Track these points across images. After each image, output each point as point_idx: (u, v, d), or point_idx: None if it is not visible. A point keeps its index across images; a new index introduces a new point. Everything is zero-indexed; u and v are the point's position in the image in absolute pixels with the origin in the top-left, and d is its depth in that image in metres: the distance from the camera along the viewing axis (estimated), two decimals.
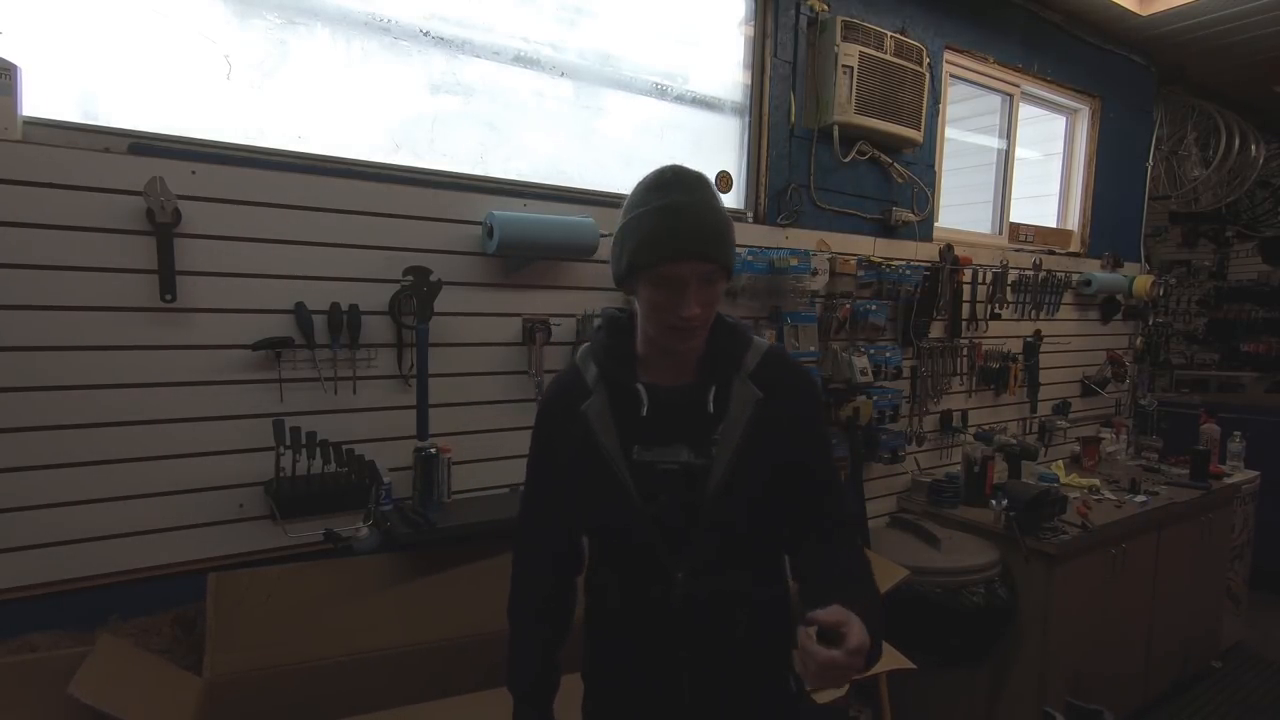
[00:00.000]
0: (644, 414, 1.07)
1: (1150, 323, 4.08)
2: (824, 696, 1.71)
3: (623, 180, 2.25)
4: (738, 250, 2.27)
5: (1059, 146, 3.73)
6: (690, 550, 1.05)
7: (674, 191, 0.99)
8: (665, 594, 1.05)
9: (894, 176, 2.78)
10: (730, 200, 2.49)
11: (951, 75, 3.04)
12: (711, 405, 1.06)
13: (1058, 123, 3.70)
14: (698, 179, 1.02)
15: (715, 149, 2.47)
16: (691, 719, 1.09)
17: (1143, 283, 3.68)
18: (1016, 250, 3.38)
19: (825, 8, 2.54)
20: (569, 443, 1.11)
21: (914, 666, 2.08)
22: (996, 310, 3.20)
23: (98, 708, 1.25)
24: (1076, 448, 3.47)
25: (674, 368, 1.09)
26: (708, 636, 1.07)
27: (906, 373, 2.86)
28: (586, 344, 1.17)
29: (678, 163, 1.04)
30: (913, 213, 2.84)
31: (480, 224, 1.91)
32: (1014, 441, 2.97)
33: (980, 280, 3.11)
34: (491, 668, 1.69)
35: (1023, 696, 2.49)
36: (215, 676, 1.53)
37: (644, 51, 2.26)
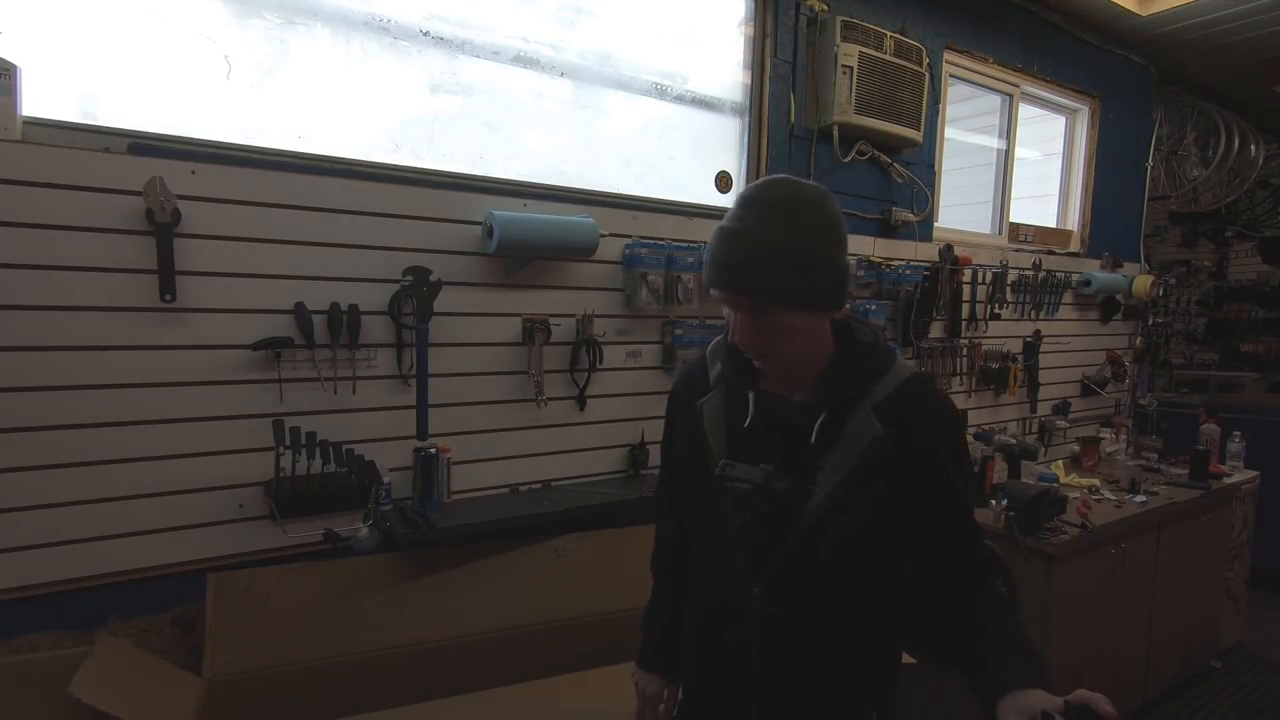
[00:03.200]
0: (745, 424, 1.06)
1: (1150, 323, 4.08)
2: None
3: (622, 180, 2.25)
4: None
5: (1059, 146, 3.73)
6: (772, 570, 1.03)
7: (747, 211, 0.96)
8: (744, 607, 1.05)
9: (894, 176, 2.78)
10: (730, 200, 2.48)
11: (951, 75, 3.04)
12: (815, 434, 1.01)
13: (1057, 123, 3.70)
14: (781, 202, 0.95)
15: (715, 149, 2.47)
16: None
17: (1142, 283, 3.68)
18: (1016, 250, 3.38)
19: (825, 8, 2.54)
20: (685, 434, 1.14)
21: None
22: (996, 310, 3.20)
23: (98, 708, 1.26)
24: (1076, 448, 3.46)
25: (794, 381, 1.05)
26: (779, 660, 1.05)
27: None
28: (720, 337, 1.14)
29: (781, 176, 0.99)
30: (912, 213, 2.84)
31: (480, 224, 1.91)
32: (1014, 441, 2.97)
33: (980, 280, 3.11)
34: (492, 666, 1.70)
35: None
36: (215, 676, 1.53)
37: (644, 51, 2.26)
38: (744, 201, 0.97)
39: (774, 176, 0.99)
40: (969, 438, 2.99)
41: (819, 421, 1.01)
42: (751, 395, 1.07)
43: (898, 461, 0.99)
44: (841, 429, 1.00)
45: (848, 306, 1.03)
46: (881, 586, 1.06)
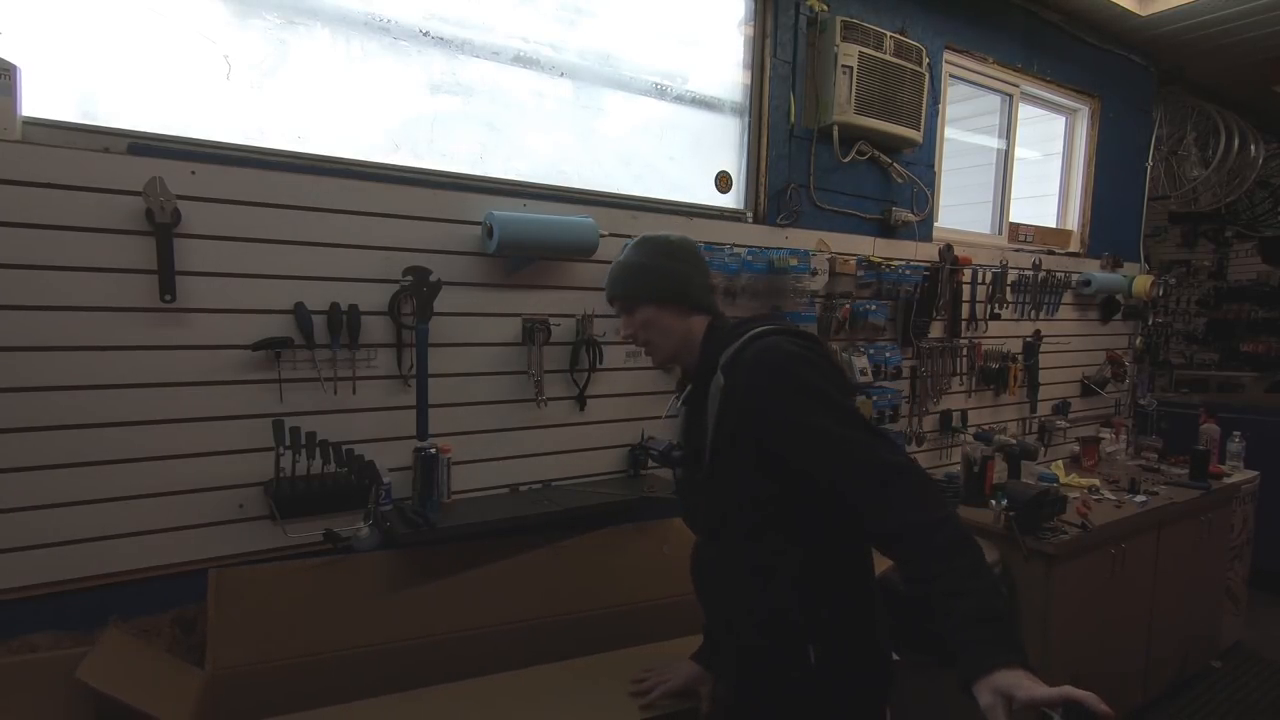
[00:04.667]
0: (674, 410, 1.46)
1: (1150, 323, 4.08)
2: None
3: (622, 180, 2.25)
4: (736, 249, 2.32)
5: (1059, 146, 3.73)
6: (697, 520, 1.36)
7: (621, 254, 1.39)
8: (695, 550, 1.40)
9: (894, 176, 2.78)
10: (730, 200, 2.49)
11: (951, 75, 3.04)
12: (682, 400, 1.38)
13: (1057, 123, 3.70)
14: (635, 241, 1.38)
15: (715, 149, 2.47)
16: (721, 668, 1.42)
17: (1142, 283, 3.68)
18: (1016, 250, 3.38)
19: (825, 8, 2.54)
20: None
21: None
22: (996, 310, 3.20)
23: (104, 692, 1.26)
24: (1076, 448, 3.47)
25: (692, 374, 1.37)
26: (720, 596, 1.32)
27: (906, 373, 2.86)
28: None
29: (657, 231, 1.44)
30: (912, 213, 2.84)
31: (480, 224, 1.91)
32: (1014, 441, 2.97)
33: (980, 280, 3.11)
34: (491, 665, 1.69)
35: None
36: (216, 673, 1.53)
37: (644, 51, 2.26)
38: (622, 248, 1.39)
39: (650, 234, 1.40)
40: (969, 438, 2.99)
41: (684, 392, 1.38)
42: (676, 394, 1.46)
43: (741, 404, 1.16)
44: (704, 397, 1.24)
45: (718, 311, 1.37)
46: (778, 524, 1.18)
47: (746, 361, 1.17)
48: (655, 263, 1.33)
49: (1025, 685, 0.88)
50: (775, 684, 1.21)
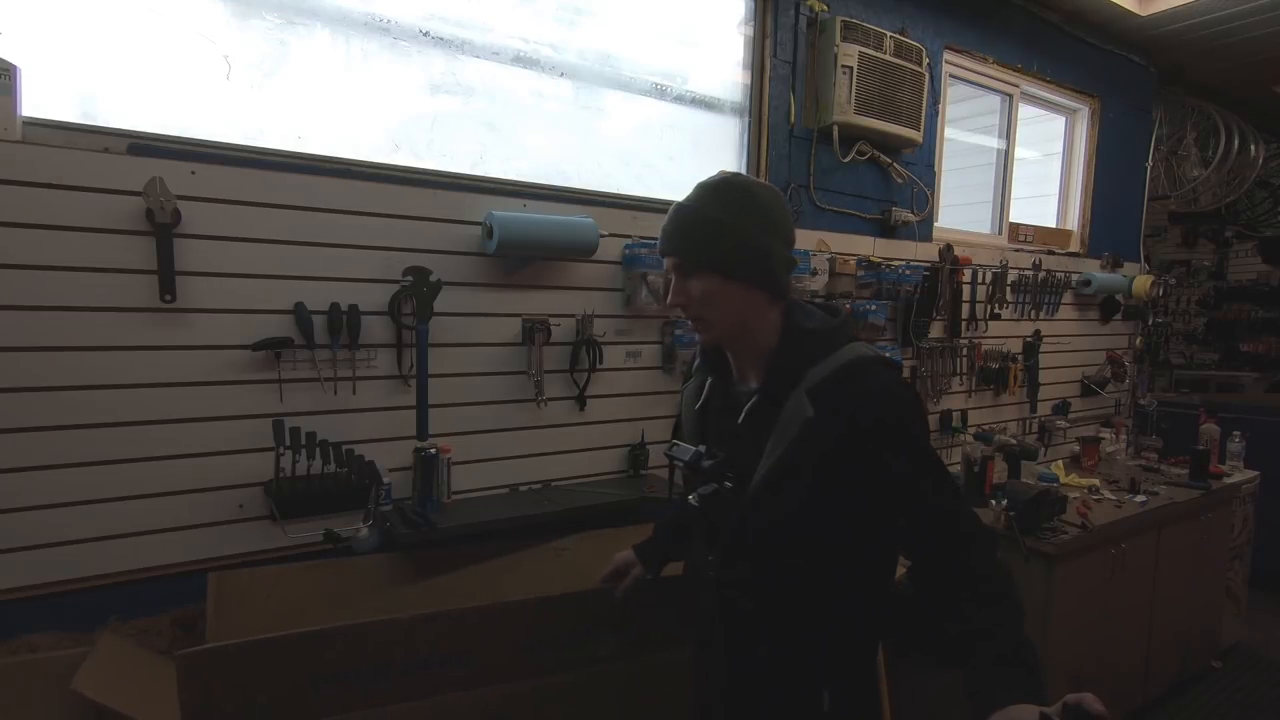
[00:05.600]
0: (696, 407, 1.20)
1: (1150, 323, 4.08)
2: None
3: (622, 180, 2.25)
4: None
5: (1059, 146, 3.73)
6: (720, 546, 1.14)
7: (693, 191, 1.10)
8: (704, 577, 1.18)
9: (894, 176, 2.78)
10: None
11: (951, 75, 3.04)
12: (744, 415, 1.09)
13: (1057, 123, 3.70)
14: (720, 184, 1.09)
15: (715, 149, 2.47)
16: (721, 700, 1.19)
17: (1142, 283, 3.68)
18: (1016, 250, 3.38)
19: (825, 8, 2.54)
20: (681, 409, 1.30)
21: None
22: (996, 310, 3.20)
23: (101, 703, 1.26)
24: (1076, 448, 3.46)
25: (746, 368, 1.14)
26: (732, 629, 1.15)
27: (906, 373, 2.86)
28: None
29: (732, 171, 1.14)
30: (912, 213, 2.84)
31: (480, 224, 1.91)
32: (1014, 441, 2.97)
33: (980, 280, 3.11)
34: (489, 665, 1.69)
35: None
36: None
37: (644, 51, 2.26)
38: (695, 186, 1.11)
39: (734, 172, 1.14)
40: (969, 438, 2.99)
41: (749, 404, 1.10)
42: (709, 381, 1.19)
43: (832, 446, 1.00)
44: (779, 413, 1.05)
45: (792, 295, 1.13)
46: (828, 570, 1.08)
47: (854, 399, 1.00)
48: (739, 223, 1.05)
49: (1026, 710, 0.89)
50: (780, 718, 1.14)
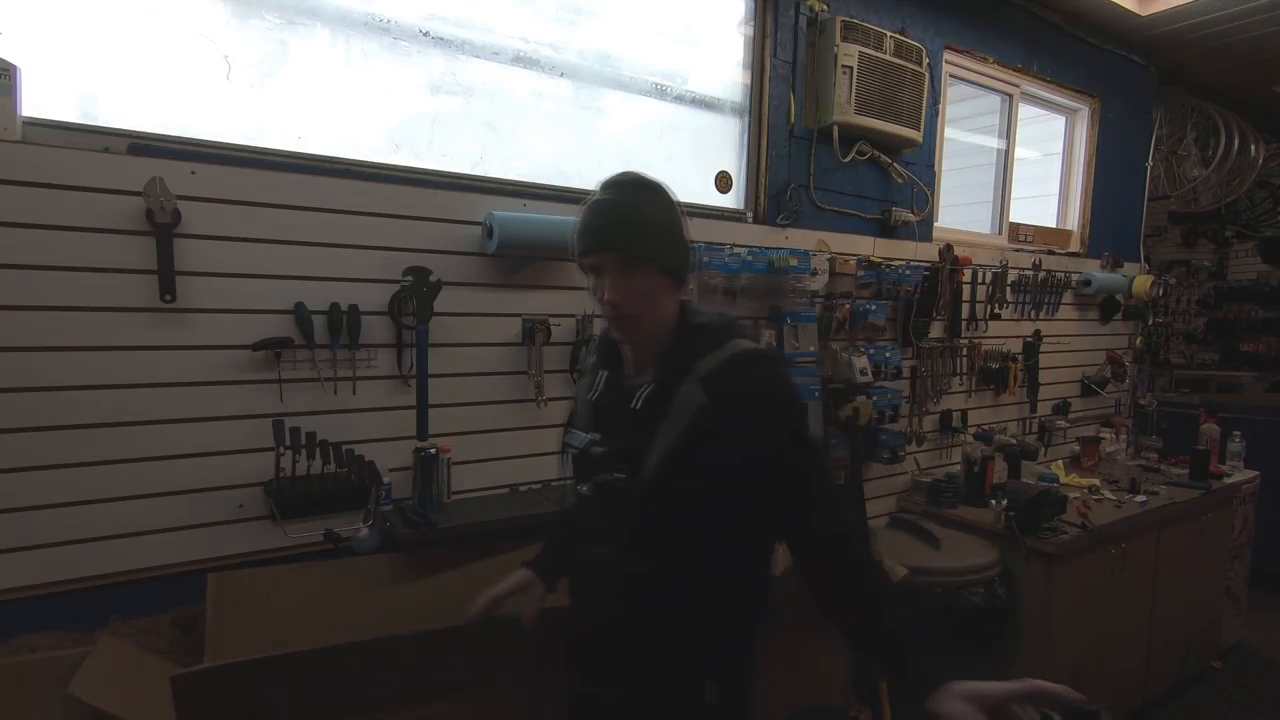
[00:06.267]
0: (591, 398, 1.21)
1: (1150, 323, 4.08)
2: None
3: None
4: (736, 249, 2.31)
5: (1059, 146, 3.73)
6: (612, 532, 1.14)
7: (609, 191, 1.12)
8: (593, 563, 1.18)
9: (894, 176, 2.78)
10: (730, 200, 2.49)
11: (951, 75, 3.04)
12: (640, 403, 1.11)
13: (1057, 123, 3.70)
14: (640, 182, 1.12)
15: (715, 149, 2.47)
16: (606, 685, 1.18)
17: (1142, 283, 3.68)
18: (1016, 250, 3.38)
19: (825, 8, 2.54)
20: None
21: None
22: (996, 310, 3.20)
23: (98, 707, 1.25)
24: (1076, 448, 3.47)
25: (642, 361, 1.16)
26: (618, 615, 1.13)
27: (906, 373, 2.86)
28: (604, 329, 1.25)
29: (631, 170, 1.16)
30: (912, 213, 2.84)
31: (480, 224, 1.91)
32: (1014, 441, 2.97)
33: (980, 280, 3.11)
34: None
35: None
36: None
37: (644, 51, 2.26)
38: (606, 185, 1.14)
39: (625, 170, 1.16)
40: (969, 438, 2.99)
41: (643, 392, 1.11)
42: (604, 374, 1.21)
43: (720, 432, 1.03)
44: (671, 402, 1.07)
45: (689, 289, 1.21)
46: (717, 559, 1.09)
47: (740, 388, 1.05)
48: (666, 218, 1.10)
49: (986, 685, 0.86)
50: (666, 710, 1.14)
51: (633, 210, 1.10)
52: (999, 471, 2.82)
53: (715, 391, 1.05)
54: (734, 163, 2.50)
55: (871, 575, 1.04)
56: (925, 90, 2.68)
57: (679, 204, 1.14)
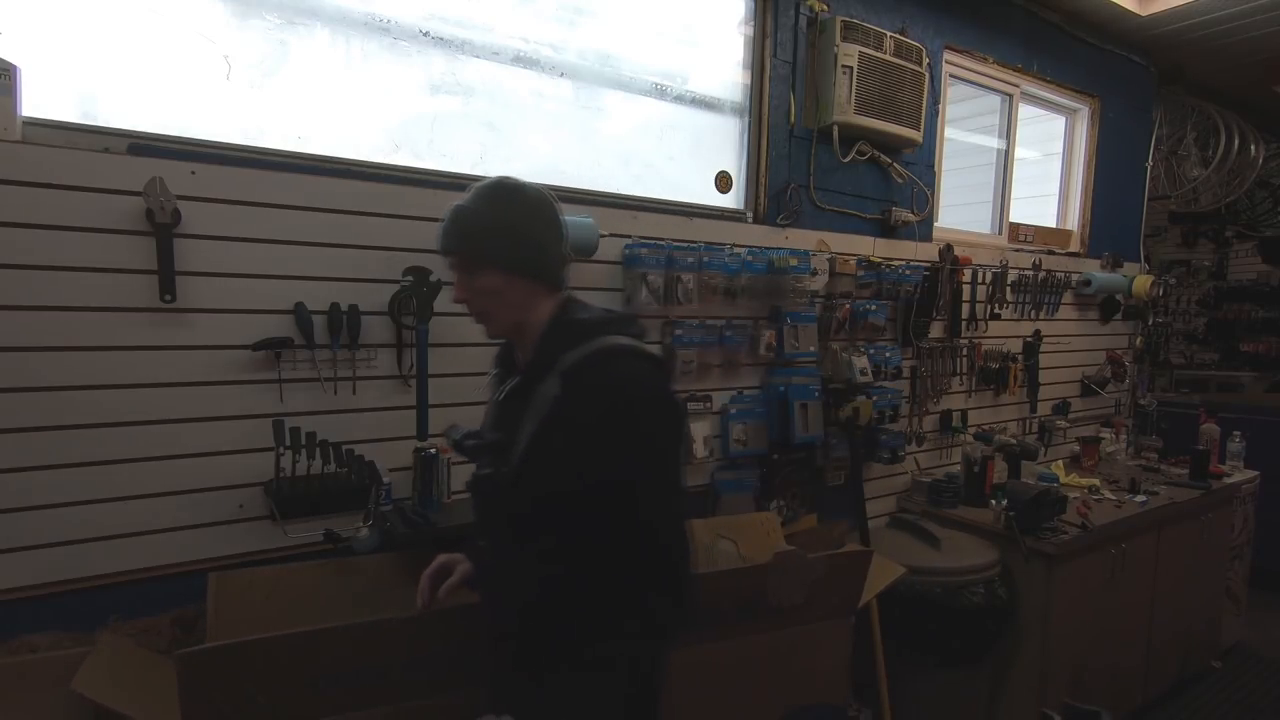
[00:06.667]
0: (495, 398, 1.25)
1: (1150, 323, 4.08)
2: None
3: (622, 180, 2.25)
4: (736, 249, 2.31)
5: (1059, 146, 3.73)
6: (488, 519, 1.23)
7: (465, 196, 1.16)
8: (478, 550, 1.27)
9: (894, 176, 2.78)
10: (730, 200, 2.49)
11: (951, 75, 3.04)
12: (504, 394, 1.19)
13: (1057, 123, 3.70)
14: (495, 186, 1.16)
15: (715, 149, 2.47)
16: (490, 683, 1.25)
17: (1142, 283, 3.68)
18: (1016, 250, 3.38)
19: (825, 8, 2.54)
20: None
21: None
22: (996, 310, 3.20)
23: (100, 703, 1.26)
24: (1076, 448, 3.47)
25: (525, 359, 1.21)
26: (494, 600, 1.22)
27: (906, 373, 2.86)
28: None
29: (504, 175, 1.19)
30: (912, 213, 2.84)
31: None
32: (1014, 441, 2.97)
33: (980, 280, 3.11)
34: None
35: (1023, 696, 2.49)
36: None
37: (644, 51, 2.26)
38: (470, 190, 1.17)
39: (506, 176, 1.19)
40: (969, 438, 2.99)
41: (508, 385, 1.20)
42: (494, 371, 1.29)
43: (567, 425, 1.07)
44: (534, 394, 1.12)
45: (567, 291, 1.21)
46: (581, 545, 1.09)
47: (592, 384, 1.07)
48: (509, 220, 1.14)
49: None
50: (534, 677, 1.15)
51: (474, 215, 1.14)
52: (999, 471, 2.82)
53: (569, 384, 1.09)
54: (734, 163, 2.50)
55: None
56: (925, 90, 2.68)
57: (544, 206, 1.18)
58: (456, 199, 1.16)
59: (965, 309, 3.06)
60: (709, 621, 1.71)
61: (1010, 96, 3.32)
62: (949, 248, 2.94)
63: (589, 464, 1.06)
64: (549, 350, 1.13)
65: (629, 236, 2.15)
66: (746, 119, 2.51)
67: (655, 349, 1.17)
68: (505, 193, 1.16)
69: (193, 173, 1.56)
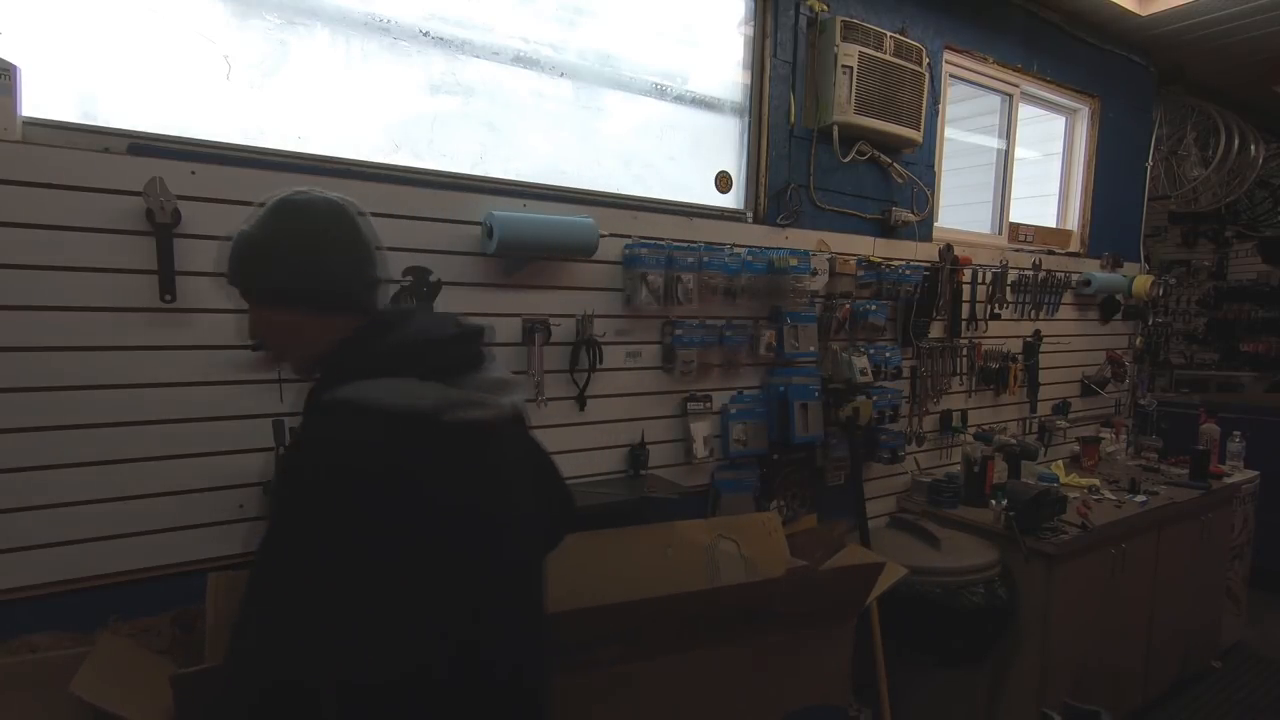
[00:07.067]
0: None
1: (1150, 323, 4.08)
2: None
3: (622, 180, 2.25)
4: (736, 249, 2.31)
5: (1059, 146, 3.73)
6: None
7: (246, 220, 1.02)
8: None
9: (894, 176, 2.78)
10: (730, 200, 2.49)
11: (951, 75, 3.04)
12: (287, 438, 1.06)
13: (1057, 123, 3.70)
14: (269, 206, 1.01)
15: (715, 149, 2.47)
16: None
17: (1142, 283, 3.69)
18: (1016, 250, 3.38)
19: (825, 8, 2.54)
20: None
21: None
22: (996, 310, 3.20)
23: (99, 706, 1.25)
24: (1076, 448, 3.47)
25: None
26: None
27: (906, 373, 2.87)
28: None
29: (297, 190, 1.05)
30: (912, 213, 2.84)
31: (480, 224, 1.91)
32: (1014, 441, 2.97)
33: (980, 280, 3.11)
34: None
35: (1023, 696, 2.49)
36: None
37: (644, 51, 2.26)
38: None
39: (297, 190, 1.05)
40: (969, 438, 2.99)
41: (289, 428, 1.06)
42: None
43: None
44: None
45: (371, 314, 1.04)
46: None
47: (294, 444, 0.95)
48: (289, 246, 0.99)
49: None
50: None
51: (250, 243, 1.01)
52: (999, 471, 2.82)
53: (301, 428, 1.01)
54: (734, 163, 2.50)
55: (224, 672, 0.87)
56: (925, 90, 2.68)
57: (334, 226, 1.02)
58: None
59: (965, 309, 3.06)
60: (715, 627, 1.71)
61: (1010, 96, 3.32)
62: (949, 248, 2.94)
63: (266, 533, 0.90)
64: (314, 393, 0.99)
65: (629, 236, 2.15)
66: (746, 119, 2.51)
67: (431, 399, 0.93)
68: (285, 214, 1.01)
69: (193, 173, 1.56)
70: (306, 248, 1.00)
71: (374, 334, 1.00)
